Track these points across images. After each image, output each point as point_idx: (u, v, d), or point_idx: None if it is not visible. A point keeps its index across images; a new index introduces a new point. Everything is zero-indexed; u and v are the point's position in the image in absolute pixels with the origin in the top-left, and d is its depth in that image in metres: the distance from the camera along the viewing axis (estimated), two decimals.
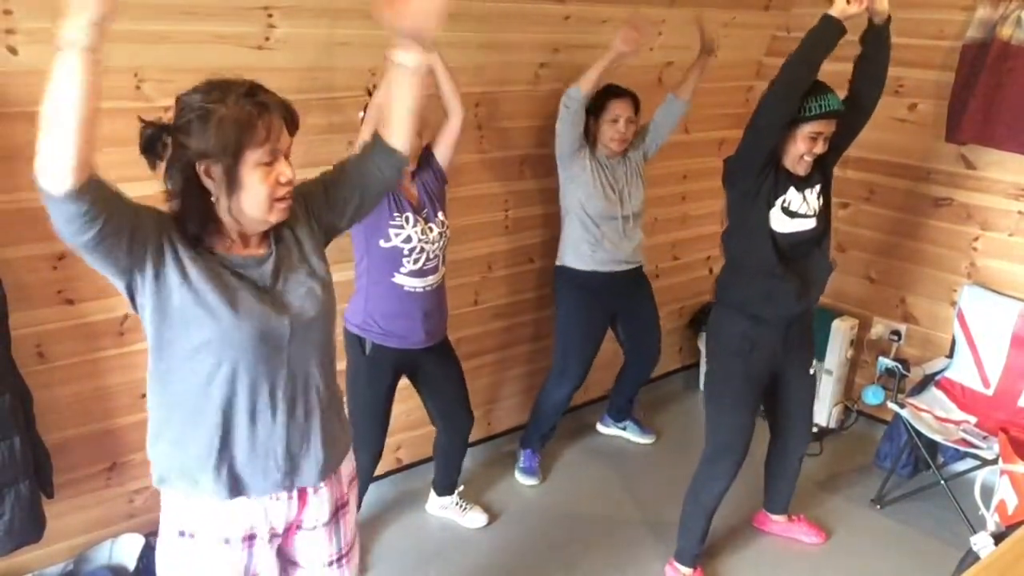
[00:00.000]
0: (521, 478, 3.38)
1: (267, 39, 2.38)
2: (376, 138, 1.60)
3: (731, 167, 2.49)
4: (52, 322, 2.28)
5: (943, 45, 3.27)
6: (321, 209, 1.61)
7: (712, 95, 3.79)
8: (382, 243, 2.45)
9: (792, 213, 2.46)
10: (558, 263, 3.19)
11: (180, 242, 1.40)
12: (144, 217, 1.37)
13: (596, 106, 3.01)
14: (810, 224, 2.49)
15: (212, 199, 1.41)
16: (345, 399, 1.90)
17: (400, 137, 1.58)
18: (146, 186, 2.22)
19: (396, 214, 2.44)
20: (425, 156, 2.61)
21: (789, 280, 2.49)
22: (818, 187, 2.50)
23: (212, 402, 1.46)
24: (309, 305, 1.52)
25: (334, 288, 1.62)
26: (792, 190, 2.45)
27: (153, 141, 1.40)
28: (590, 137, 3.07)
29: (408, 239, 2.45)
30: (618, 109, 2.99)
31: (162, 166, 1.42)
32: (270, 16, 2.34)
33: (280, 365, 1.49)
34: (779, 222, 2.46)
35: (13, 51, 2.01)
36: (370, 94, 2.50)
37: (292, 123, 1.43)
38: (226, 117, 1.33)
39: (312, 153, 2.56)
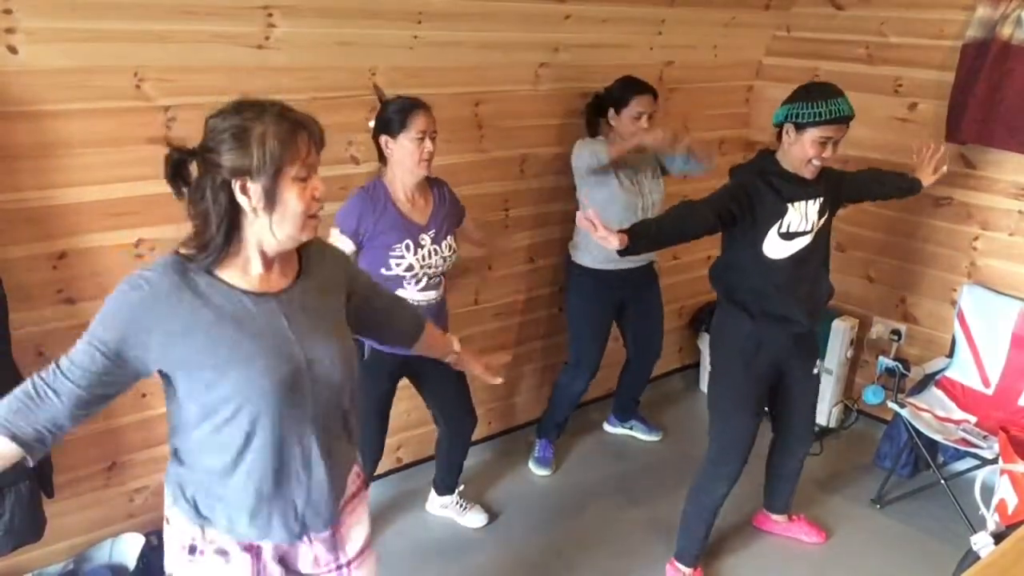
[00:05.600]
0: (534, 468, 3.42)
1: (267, 39, 2.38)
2: (417, 332, 1.88)
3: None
4: (52, 322, 2.28)
5: (943, 45, 3.27)
6: (357, 295, 1.68)
7: (712, 95, 3.80)
8: (384, 271, 2.44)
9: (791, 235, 2.41)
10: (572, 258, 3.21)
11: (155, 321, 1.36)
12: (101, 361, 1.37)
13: (617, 100, 3.00)
14: (805, 241, 2.43)
15: (243, 219, 1.39)
16: None
17: (413, 345, 1.90)
18: (144, 186, 2.25)
19: (396, 244, 2.42)
20: (448, 191, 2.64)
21: (788, 306, 2.47)
22: (820, 200, 2.45)
23: (232, 448, 1.45)
24: (335, 356, 1.51)
25: (353, 345, 1.61)
26: (790, 210, 2.40)
27: (180, 166, 1.38)
28: (601, 130, 3.08)
29: (410, 267, 2.45)
30: (641, 105, 2.97)
31: (186, 192, 1.40)
32: (270, 16, 2.34)
33: (303, 418, 1.47)
34: (775, 248, 2.42)
35: (13, 51, 2.01)
36: (379, 93, 2.49)
37: (320, 141, 1.44)
38: (267, 133, 1.34)
39: None
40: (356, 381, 1.61)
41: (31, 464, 1.36)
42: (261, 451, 1.45)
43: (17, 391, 1.35)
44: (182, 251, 1.41)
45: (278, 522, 1.53)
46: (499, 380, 1.99)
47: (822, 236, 2.50)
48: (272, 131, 1.34)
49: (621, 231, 2.25)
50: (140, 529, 2.58)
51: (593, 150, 2.93)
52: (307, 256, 1.55)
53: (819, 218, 2.46)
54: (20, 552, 2.26)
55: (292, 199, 1.38)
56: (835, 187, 2.52)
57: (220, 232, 1.37)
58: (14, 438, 1.31)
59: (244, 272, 1.43)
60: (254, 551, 1.55)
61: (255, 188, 1.35)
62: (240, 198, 1.36)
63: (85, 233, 2.26)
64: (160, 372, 1.43)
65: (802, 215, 2.41)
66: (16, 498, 2.13)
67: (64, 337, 2.30)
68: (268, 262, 1.45)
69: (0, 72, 2.02)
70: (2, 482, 2.09)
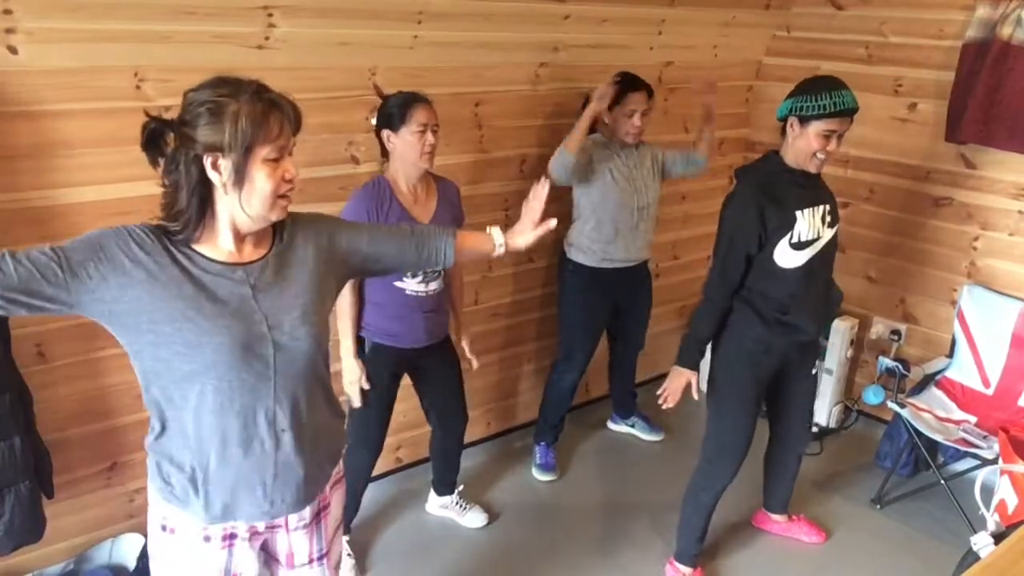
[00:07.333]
0: (538, 474, 3.40)
1: (267, 39, 2.38)
2: (448, 250, 1.76)
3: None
4: (52, 322, 2.27)
5: (943, 45, 3.27)
6: (349, 251, 1.63)
7: None
8: None
9: (801, 244, 2.40)
10: (566, 255, 3.20)
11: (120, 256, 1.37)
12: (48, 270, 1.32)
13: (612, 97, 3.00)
14: (816, 248, 2.43)
15: (214, 194, 1.41)
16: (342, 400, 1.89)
17: (453, 262, 1.79)
18: (144, 186, 2.24)
19: None
20: (456, 193, 2.64)
21: (800, 315, 2.47)
22: (824, 207, 2.45)
23: (194, 419, 1.46)
24: (300, 325, 1.50)
25: (327, 316, 1.60)
26: (799, 219, 2.39)
27: (156, 136, 1.40)
28: (599, 126, 3.08)
29: None
30: (634, 103, 2.97)
31: (161, 163, 1.42)
32: (270, 16, 2.34)
33: (266, 386, 1.47)
34: (786, 258, 2.41)
35: (13, 51, 2.01)
36: (379, 93, 2.48)
37: (297, 122, 1.45)
38: (240, 112, 1.35)
39: (313, 153, 2.57)
40: (324, 340, 1.59)
41: None
42: (218, 413, 1.44)
43: None
44: (159, 223, 1.43)
45: (245, 497, 1.51)
46: (552, 223, 1.82)
47: (829, 248, 2.50)
48: (246, 110, 1.35)
49: (684, 365, 2.50)
50: (140, 529, 2.58)
51: (559, 162, 2.88)
52: (281, 228, 1.56)
53: (823, 225, 2.45)
54: (20, 552, 2.26)
55: (261, 178, 1.40)
56: (835, 202, 2.53)
57: (192, 205, 1.39)
58: None
59: (215, 246, 1.45)
60: (224, 537, 1.56)
61: (226, 165, 1.37)
62: (211, 174, 1.38)
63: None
64: (114, 325, 1.41)
65: (809, 223, 2.41)
66: (16, 498, 2.12)
67: (64, 337, 2.31)
68: (240, 237, 1.47)
69: (0, 72, 2.02)
70: (2, 482, 2.09)
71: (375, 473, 2.91)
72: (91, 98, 2.16)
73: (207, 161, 1.37)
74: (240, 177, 1.38)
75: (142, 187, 2.26)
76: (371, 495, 3.02)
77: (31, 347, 2.26)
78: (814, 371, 2.74)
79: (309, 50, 2.48)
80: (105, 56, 2.15)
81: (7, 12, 1.96)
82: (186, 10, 2.19)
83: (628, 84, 2.98)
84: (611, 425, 3.82)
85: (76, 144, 2.17)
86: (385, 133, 2.42)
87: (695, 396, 2.53)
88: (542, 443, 3.44)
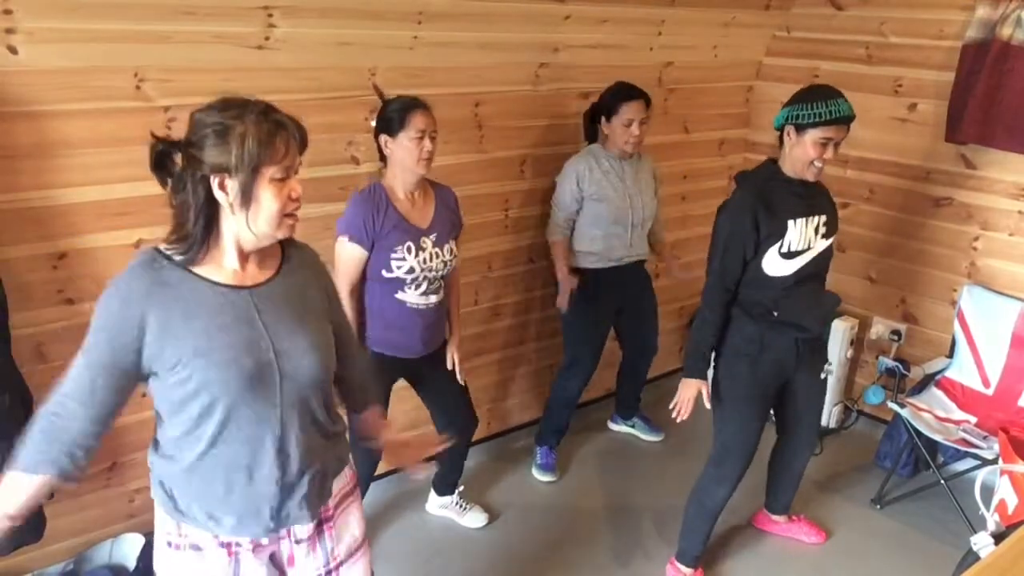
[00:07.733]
0: (538, 475, 3.40)
1: (267, 39, 2.38)
2: (357, 407, 1.85)
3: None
4: (52, 322, 2.28)
5: (943, 45, 3.27)
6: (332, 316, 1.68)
7: (712, 95, 3.80)
8: (385, 273, 2.44)
9: (791, 254, 2.40)
10: None
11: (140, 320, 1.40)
12: (103, 370, 1.43)
13: (608, 108, 2.99)
14: (806, 260, 2.43)
15: (221, 214, 1.42)
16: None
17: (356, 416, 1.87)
18: (144, 186, 2.25)
19: (398, 247, 2.42)
20: (453, 200, 2.64)
21: (793, 314, 2.46)
22: (820, 218, 2.45)
23: (201, 442, 1.47)
24: (307, 353, 1.51)
25: (331, 338, 1.61)
26: (790, 228, 2.39)
27: (164, 158, 1.41)
28: (599, 136, 3.08)
29: (411, 270, 2.45)
30: (631, 112, 2.95)
31: (169, 183, 1.43)
32: (270, 16, 2.34)
33: (272, 413, 1.48)
34: (774, 266, 2.41)
35: (13, 51, 2.01)
36: (379, 93, 2.47)
37: (303, 142, 1.46)
38: (247, 133, 1.36)
39: (313, 153, 2.56)
40: (329, 364, 1.59)
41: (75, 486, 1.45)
42: (231, 444, 1.46)
43: (32, 431, 1.41)
44: (163, 246, 1.44)
45: (251, 517, 1.53)
46: (421, 476, 1.94)
47: (823, 258, 2.49)
48: (252, 131, 1.37)
49: (691, 376, 2.49)
50: (140, 529, 2.58)
51: (562, 201, 3.09)
52: (290, 253, 1.57)
53: (816, 236, 2.44)
54: (20, 552, 2.27)
55: (268, 198, 1.41)
56: (834, 213, 2.53)
57: (198, 226, 1.41)
58: (59, 473, 1.41)
59: (219, 266, 1.46)
60: (229, 547, 1.56)
61: (232, 185, 1.38)
62: (218, 194, 1.39)
63: (85, 233, 2.26)
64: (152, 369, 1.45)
65: (801, 233, 2.40)
66: None
67: (64, 337, 2.31)
68: (244, 257, 1.48)
69: (0, 72, 2.02)
70: None
71: (375, 473, 2.91)
72: (91, 98, 2.16)
73: (214, 182, 1.38)
74: (247, 197, 1.40)
75: (142, 187, 2.26)
76: (371, 495, 3.02)
77: (31, 347, 2.26)
78: (823, 375, 2.72)
79: (309, 50, 2.49)
80: (105, 56, 2.15)
81: (7, 12, 1.96)
82: (186, 10, 2.19)
83: (624, 94, 2.97)
84: (611, 425, 3.83)
85: (76, 144, 2.18)
86: (383, 138, 2.42)
87: (707, 405, 2.52)
88: (544, 446, 3.45)
